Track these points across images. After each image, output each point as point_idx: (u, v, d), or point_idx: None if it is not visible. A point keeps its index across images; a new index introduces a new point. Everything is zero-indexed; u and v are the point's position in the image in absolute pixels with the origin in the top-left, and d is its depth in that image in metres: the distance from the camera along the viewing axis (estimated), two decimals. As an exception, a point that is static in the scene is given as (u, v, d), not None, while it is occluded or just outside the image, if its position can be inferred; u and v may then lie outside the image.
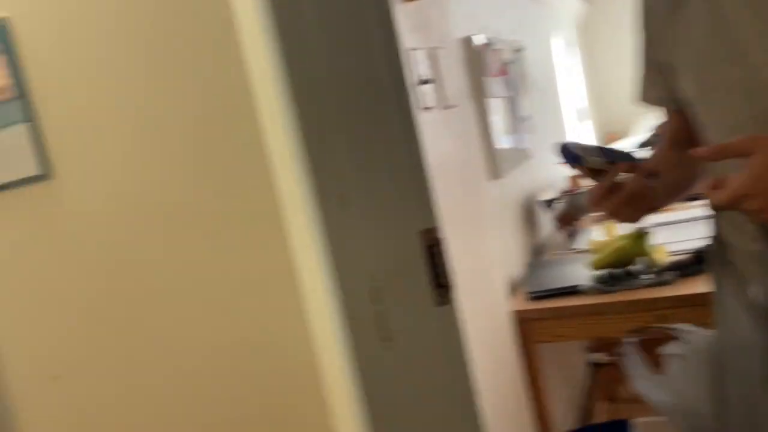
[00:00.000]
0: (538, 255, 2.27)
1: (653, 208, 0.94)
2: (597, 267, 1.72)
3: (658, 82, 1.01)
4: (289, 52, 0.72)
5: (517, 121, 2.23)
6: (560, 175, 3.01)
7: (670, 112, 1.05)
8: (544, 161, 2.70)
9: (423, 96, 1.31)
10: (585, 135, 3.99)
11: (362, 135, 0.74)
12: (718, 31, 0.84)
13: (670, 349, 0.94)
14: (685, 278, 1.54)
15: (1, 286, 1.02)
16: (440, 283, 0.79)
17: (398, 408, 0.79)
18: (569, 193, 2.74)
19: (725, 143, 0.75)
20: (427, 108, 1.32)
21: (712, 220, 0.99)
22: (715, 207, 0.76)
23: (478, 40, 1.91)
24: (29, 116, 0.99)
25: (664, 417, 0.90)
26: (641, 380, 0.94)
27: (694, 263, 1.55)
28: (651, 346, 1.17)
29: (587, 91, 4.39)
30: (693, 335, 0.92)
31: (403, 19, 1.27)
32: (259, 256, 0.88)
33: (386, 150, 0.74)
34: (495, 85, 2.02)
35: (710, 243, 0.94)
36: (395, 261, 0.78)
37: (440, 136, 1.38)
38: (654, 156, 1.07)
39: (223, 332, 0.89)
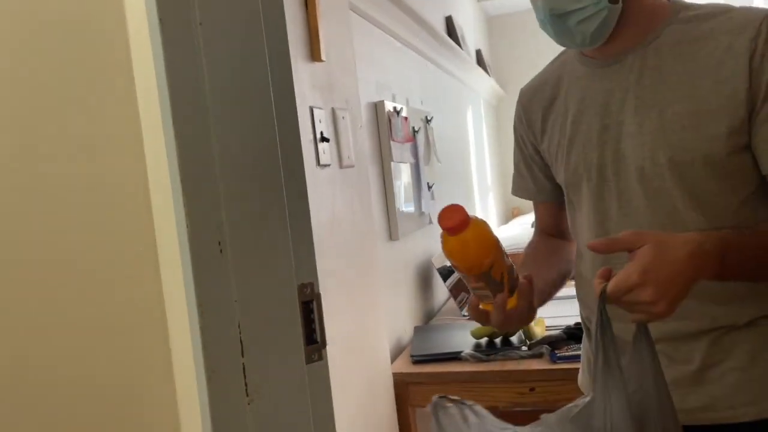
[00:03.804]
0: (428, 319, 2.31)
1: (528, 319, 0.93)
2: (478, 336, 1.78)
3: (526, 176, 1.10)
4: (177, 97, 0.72)
5: (420, 187, 2.31)
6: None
7: (536, 205, 1.14)
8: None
9: (321, 153, 1.34)
10: (490, 207, 4.17)
11: (245, 184, 0.74)
12: (579, 117, 0.95)
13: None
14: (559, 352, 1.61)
15: None
16: (313, 340, 0.78)
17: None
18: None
19: (615, 237, 0.80)
20: (322, 165, 1.34)
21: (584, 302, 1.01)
22: (606, 298, 0.74)
23: (388, 106, 1.98)
24: None
25: None
26: None
27: (563, 339, 1.63)
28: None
29: (495, 167, 4.63)
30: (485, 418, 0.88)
31: (307, 77, 1.31)
32: (130, 294, 0.88)
33: (269, 201, 0.75)
34: (401, 151, 2.09)
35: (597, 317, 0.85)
36: (268, 313, 0.78)
37: (334, 194, 1.41)
38: (524, 264, 1.07)
39: (86, 378, 0.89)
